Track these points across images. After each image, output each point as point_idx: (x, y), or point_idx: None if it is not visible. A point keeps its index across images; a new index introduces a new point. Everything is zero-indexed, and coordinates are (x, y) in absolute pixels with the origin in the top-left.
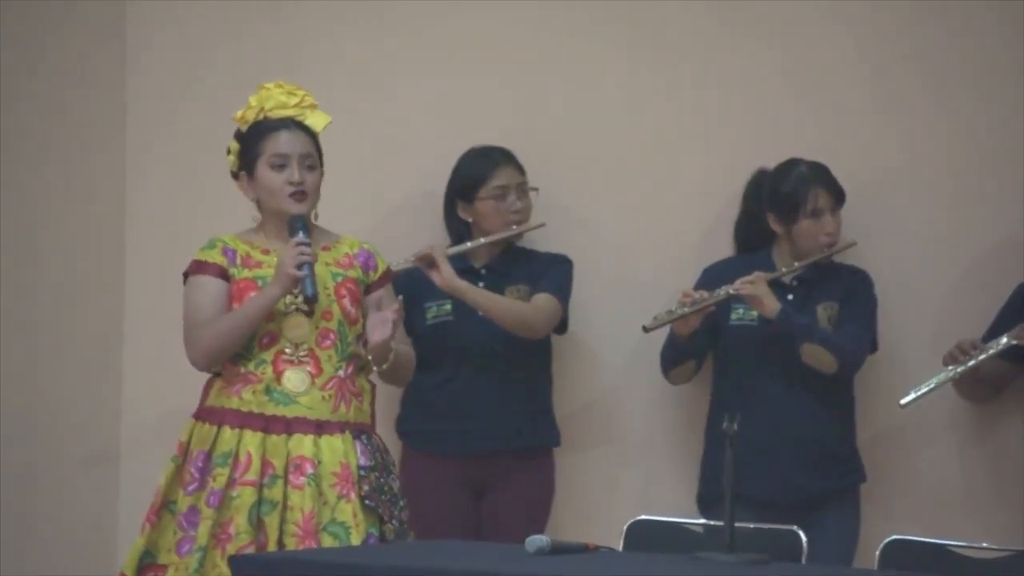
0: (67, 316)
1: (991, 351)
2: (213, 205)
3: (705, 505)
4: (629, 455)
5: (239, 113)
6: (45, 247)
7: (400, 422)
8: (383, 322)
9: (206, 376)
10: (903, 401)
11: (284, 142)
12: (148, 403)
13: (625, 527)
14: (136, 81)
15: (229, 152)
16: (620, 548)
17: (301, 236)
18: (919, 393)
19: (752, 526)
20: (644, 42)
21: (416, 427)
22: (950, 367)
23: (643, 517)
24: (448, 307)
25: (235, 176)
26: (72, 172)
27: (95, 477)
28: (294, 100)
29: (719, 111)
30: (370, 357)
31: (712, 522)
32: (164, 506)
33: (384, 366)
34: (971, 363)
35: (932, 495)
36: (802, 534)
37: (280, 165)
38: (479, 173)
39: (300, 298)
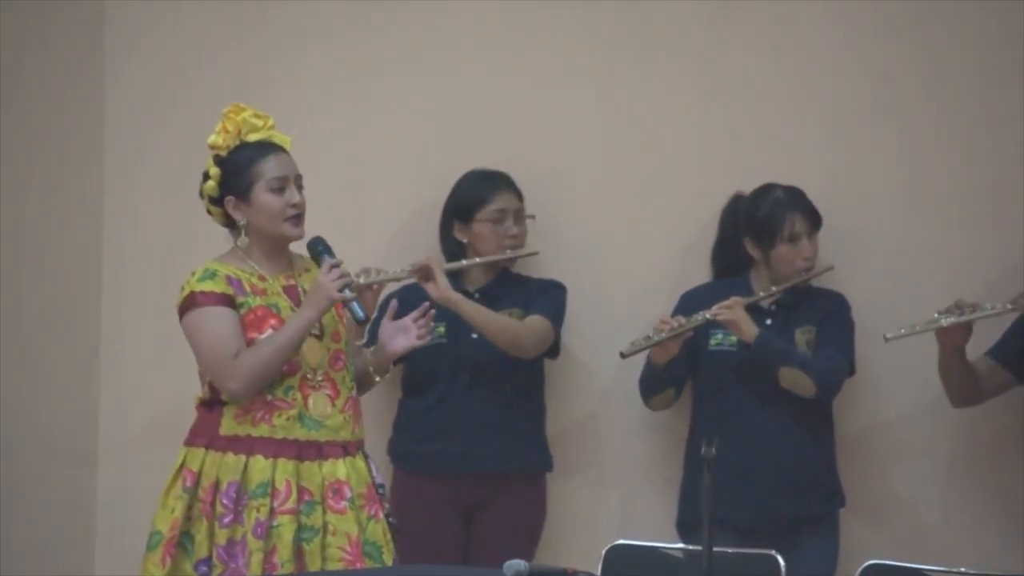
0: (45, 323)
1: (988, 312)
2: (190, 219)
3: (685, 530)
4: (609, 479)
5: (214, 138)
6: (24, 254)
7: (392, 444)
8: (405, 329)
9: (183, 383)
10: (888, 335)
11: (282, 164)
12: (126, 409)
13: (603, 552)
14: (114, 101)
15: (208, 178)
16: (598, 573)
17: (331, 259)
18: (906, 332)
19: (731, 551)
20: (626, 74)
21: (407, 449)
22: (944, 317)
23: (621, 542)
24: (441, 329)
25: (214, 201)
26: (49, 183)
27: (73, 481)
28: (262, 123)
29: (698, 138)
30: (372, 369)
31: (690, 547)
32: (179, 541)
33: (387, 376)
34: (963, 319)
35: (911, 520)
36: (781, 559)
37: (280, 188)
38: (479, 195)
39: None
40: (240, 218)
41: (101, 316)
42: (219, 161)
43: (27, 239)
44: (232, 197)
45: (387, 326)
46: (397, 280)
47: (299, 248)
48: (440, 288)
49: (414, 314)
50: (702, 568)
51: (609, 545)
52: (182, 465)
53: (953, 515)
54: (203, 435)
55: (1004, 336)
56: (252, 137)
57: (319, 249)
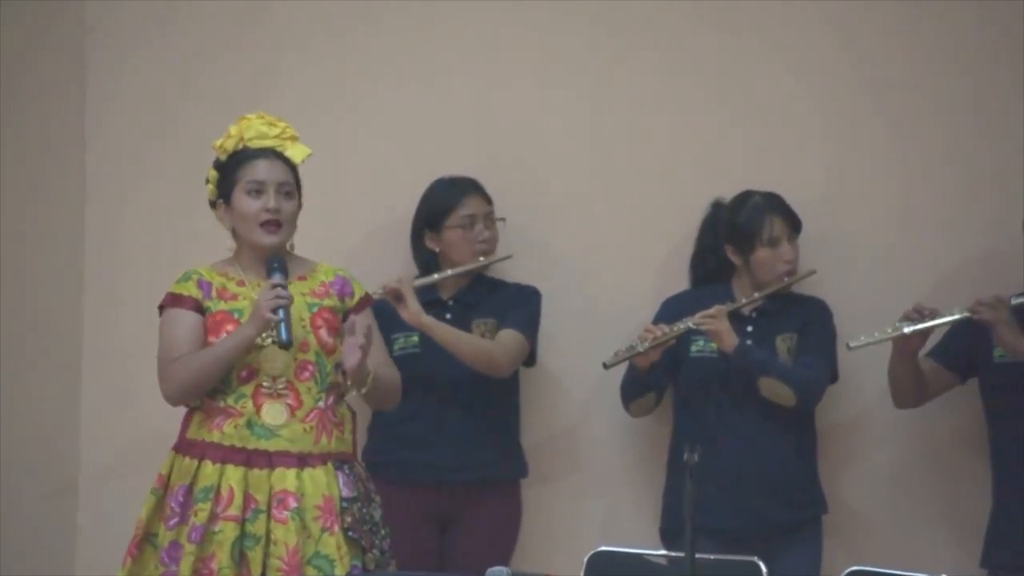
0: (25, 349)
1: (946, 318)
2: (172, 237)
3: (668, 537)
4: (592, 486)
5: (219, 142)
6: (2, 279)
7: (367, 452)
8: (352, 347)
9: (166, 408)
10: (852, 344)
11: (261, 169)
12: (107, 436)
13: (586, 559)
14: (95, 114)
15: (208, 181)
16: None
17: (278, 278)
18: (869, 340)
19: (713, 557)
20: (606, 80)
21: (383, 458)
22: (905, 325)
23: (604, 548)
24: (415, 339)
25: (213, 205)
26: (31, 202)
27: (54, 510)
28: (275, 131)
29: (679, 145)
30: (348, 383)
31: (673, 553)
32: (146, 539)
33: (363, 390)
34: (924, 325)
35: (893, 526)
36: (763, 566)
37: (256, 192)
38: (447, 202)
39: (270, 340)
40: (225, 222)
41: (82, 346)
42: (216, 165)
43: (5, 259)
44: (222, 201)
45: (346, 343)
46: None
47: (307, 252)
48: (411, 312)
49: (363, 331)
50: (685, 574)
51: (591, 552)
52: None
53: (935, 522)
54: (178, 438)
55: (946, 338)
56: (256, 143)
57: (273, 266)
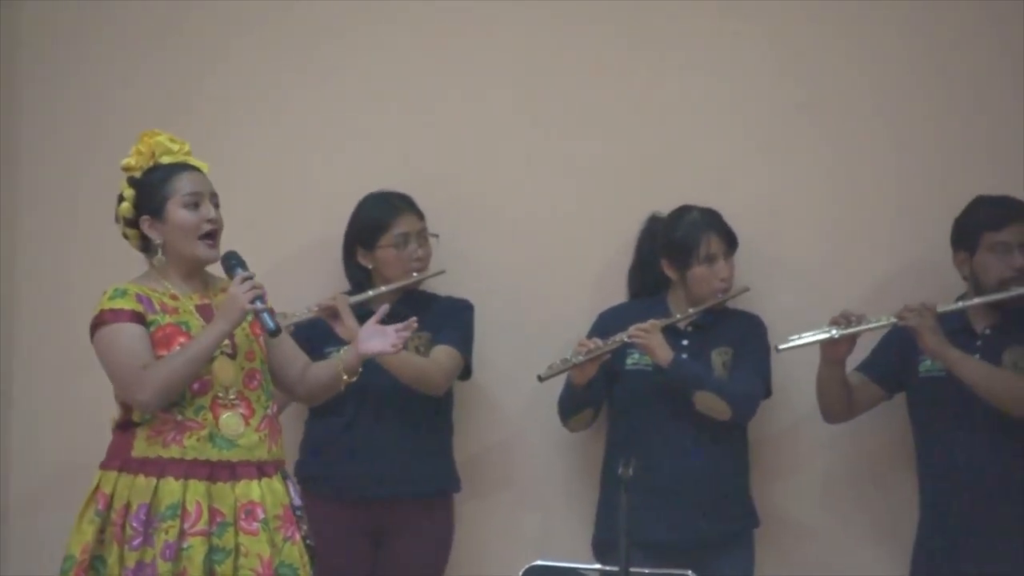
0: None
1: (873, 324)
2: (100, 257)
3: (601, 550)
4: (527, 500)
5: (128, 160)
6: None
7: (300, 466)
8: (383, 333)
9: (99, 429)
10: (780, 347)
11: (196, 181)
12: (37, 461)
13: (520, 573)
14: (28, 128)
15: (122, 200)
16: None
17: (243, 271)
18: (797, 342)
19: (647, 571)
20: (540, 92)
21: (315, 472)
22: (833, 329)
23: (538, 563)
24: None
25: (129, 223)
26: None
27: None
28: (178, 147)
29: (613, 158)
30: (342, 367)
31: (607, 567)
32: (92, 565)
33: (354, 378)
34: (852, 329)
35: (824, 538)
36: None
37: (194, 204)
38: (380, 220)
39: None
40: (156, 237)
41: (12, 370)
42: (133, 182)
43: None
44: (147, 217)
45: (369, 326)
46: (304, 320)
47: (219, 271)
48: (347, 329)
49: (398, 325)
50: None
51: (526, 566)
52: (96, 488)
53: (865, 534)
54: (117, 458)
55: (874, 351)
56: (166, 159)
57: (233, 263)
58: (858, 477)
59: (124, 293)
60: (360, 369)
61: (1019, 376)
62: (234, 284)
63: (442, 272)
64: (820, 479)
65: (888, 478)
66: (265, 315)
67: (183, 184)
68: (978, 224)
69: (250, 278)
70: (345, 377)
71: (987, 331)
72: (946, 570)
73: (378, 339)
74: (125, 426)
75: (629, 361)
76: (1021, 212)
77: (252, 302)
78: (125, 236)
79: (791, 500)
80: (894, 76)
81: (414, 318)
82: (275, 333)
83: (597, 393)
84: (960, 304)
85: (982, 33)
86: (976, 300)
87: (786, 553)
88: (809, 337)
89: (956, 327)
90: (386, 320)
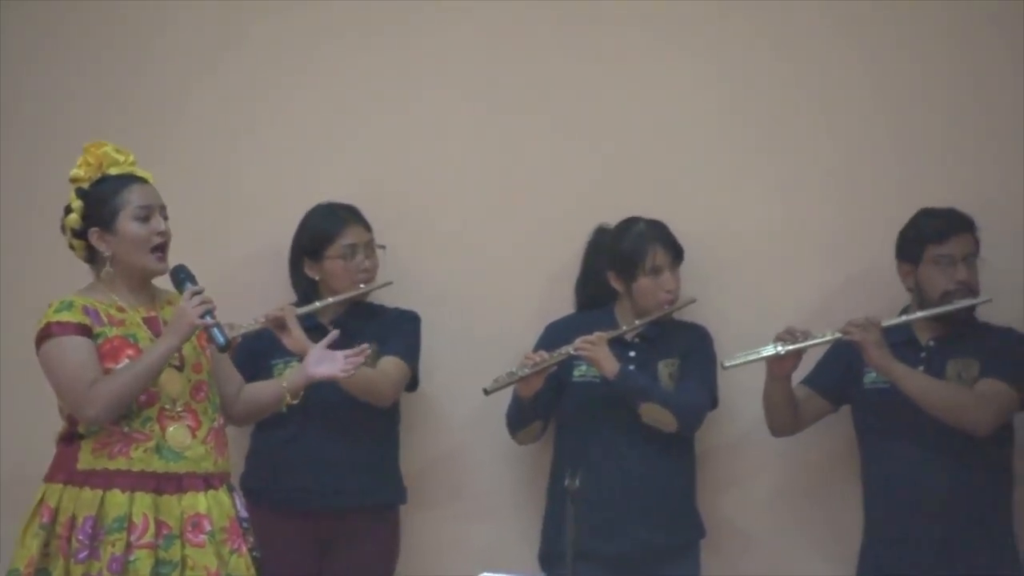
0: None
1: (818, 339)
2: (50, 268)
3: (548, 562)
4: (473, 512)
5: (76, 171)
6: None
7: (245, 478)
8: (333, 358)
9: (47, 441)
10: (727, 363)
11: (147, 194)
12: None
13: None
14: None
15: (70, 211)
16: None
17: (192, 286)
18: (744, 359)
19: None
20: (488, 103)
21: (261, 483)
22: (779, 346)
23: (485, 574)
24: (295, 364)
25: (76, 234)
26: None
27: None
28: (123, 158)
29: (561, 170)
30: (287, 389)
31: None
32: None
33: (296, 400)
34: (797, 345)
35: (771, 548)
36: None
37: (145, 216)
38: (327, 232)
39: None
40: (105, 249)
41: None
42: (81, 193)
43: None
44: (96, 228)
45: (318, 350)
46: (252, 330)
47: (164, 283)
48: (295, 339)
49: (349, 351)
50: None
51: None
52: (40, 502)
53: (809, 545)
54: (62, 470)
55: (819, 364)
56: (113, 171)
57: (181, 276)
58: (804, 488)
59: (70, 305)
60: (303, 392)
61: (962, 388)
62: (184, 298)
63: (389, 283)
64: (766, 490)
65: (833, 489)
66: (215, 330)
67: (134, 197)
68: (922, 237)
69: (200, 292)
70: (289, 398)
71: (931, 343)
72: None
73: (328, 364)
74: (70, 438)
75: (576, 373)
76: (964, 225)
77: (202, 317)
78: (72, 247)
79: (737, 511)
80: (839, 89)
81: (366, 345)
82: (224, 348)
83: (545, 406)
84: (904, 318)
85: (919, 39)
86: (919, 314)
87: (732, 564)
88: (755, 354)
89: (901, 339)
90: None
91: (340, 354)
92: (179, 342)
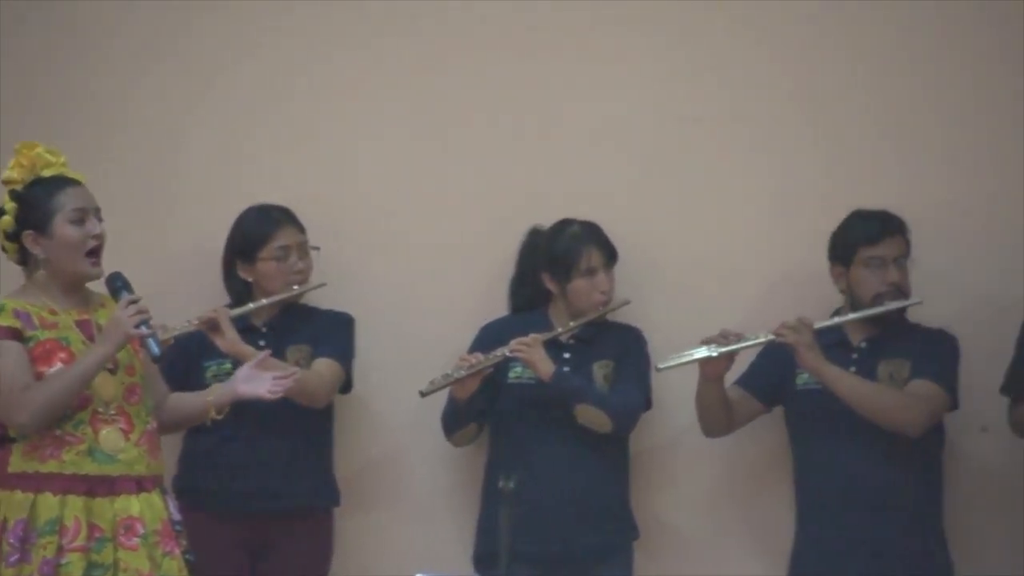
0: None
1: (751, 342)
2: None
3: (482, 563)
4: (409, 514)
5: (9, 173)
6: None
7: (178, 481)
8: (261, 379)
9: None
10: (660, 365)
11: (81, 196)
12: None
13: None
14: None
15: (3, 213)
16: None
17: (128, 294)
18: (677, 361)
19: None
20: (422, 105)
21: (194, 486)
22: (712, 348)
23: None
24: (228, 366)
25: (9, 236)
26: None
27: None
28: (56, 159)
29: (494, 172)
30: (213, 403)
31: None
32: None
33: (221, 416)
34: (730, 348)
35: (705, 548)
36: None
37: (80, 219)
38: (260, 233)
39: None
40: (39, 252)
41: None
42: (15, 195)
43: None
44: (31, 231)
45: (247, 369)
46: (185, 332)
47: (97, 285)
48: (228, 341)
49: (278, 374)
50: None
51: None
52: None
53: (739, 545)
54: None
55: (752, 366)
56: (47, 172)
57: (118, 285)
58: (737, 489)
59: (1, 309)
60: (227, 408)
61: (893, 390)
62: (119, 307)
63: (323, 285)
64: (699, 491)
65: (766, 490)
66: (150, 340)
67: (69, 199)
68: (854, 239)
69: (136, 301)
70: (213, 413)
71: (863, 344)
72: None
73: (255, 383)
74: (1, 442)
75: (511, 375)
76: (896, 227)
77: (137, 326)
78: (3, 249)
79: (671, 512)
80: (769, 91)
81: (295, 369)
82: (158, 360)
83: (480, 407)
84: (836, 320)
85: (836, 40)
86: (851, 316)
87: (666, 564)
88: (688, 356)
89: (833, 341)
90: (266, 332)
91: (269, 375)
92: (113, 350)
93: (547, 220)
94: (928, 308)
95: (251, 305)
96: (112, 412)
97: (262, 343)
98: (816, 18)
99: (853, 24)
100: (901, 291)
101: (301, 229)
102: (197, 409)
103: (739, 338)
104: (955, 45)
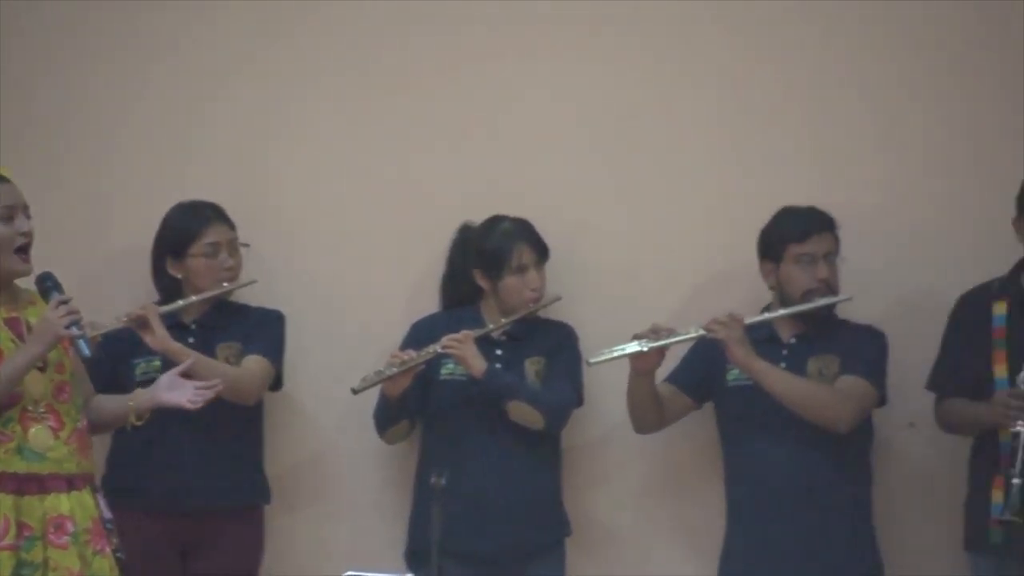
0: None
1: (682, 336)
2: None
3: (414, 560)
4: (340, 511)
5: None
6: None
7: (107, 480)
8: (183, 387)
9: None
10: (591, 360)
11: (10, 193)
12: None
13: None
14: None
15: None
16: None
17: (58, 295)
18: (608, 356)
19: None
20: (353, 101)
21: (123, 484)
22: (643, 343)
23: (350, 574)
24: (157, 364)
25: None
26: None
27: None
28: None
29: (425, 168)
30: (134, 408)
31: None
32: None
33: (141, 422)
34: (661, 342)
35: (636, 544)
36: None
37: (9, 217)
38: (189, 230)
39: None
40: None
41: None
42: None
43: None
44: None
45: (169, 377)
46: (113, 330)
47: (27, 283)
48: (158, 339)
49: (201, 383)
50: None
51: None
52: None
53: (674, 542)
54: None
55: (683, 361)
56: None
57: (48, 285)
58: (668, 485)
59: None
60: (148, 415)
61: (822, 386)
62: (50, 308)
63: (253, 282)
64: (631, 488)
65: (697, 486)
66: (81, 342)
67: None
68: (783, 235)
69: (66, 302)
70: (134, 419)
71: (793, 340)
72: (751, 572)
73: (178, 391)
74: None
75: (443, 371)
76: (825, 223)
77: (67, 327)
78: None
79: (603, 508)
80: (702, 89)
81: (218, 381)
82: (88, 361)
83: (412, 404)
84: (766, 316)
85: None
86: (781, 312)
87: (598, 562)
88: (619, 351)
89: (763, 336)
90: (196, 330)
91: (191, 383)
92: (43, 351)
93: (478, 216)
94: (857, 305)
95: (181, 302)
96: (41, 410)
97: (192, 340)
98: (724, 18)
99: (777, 25)
100: (830, 288)
101: (231, 226)
102: (119, 413)
103: (670, 333)
104: (879, 45)
